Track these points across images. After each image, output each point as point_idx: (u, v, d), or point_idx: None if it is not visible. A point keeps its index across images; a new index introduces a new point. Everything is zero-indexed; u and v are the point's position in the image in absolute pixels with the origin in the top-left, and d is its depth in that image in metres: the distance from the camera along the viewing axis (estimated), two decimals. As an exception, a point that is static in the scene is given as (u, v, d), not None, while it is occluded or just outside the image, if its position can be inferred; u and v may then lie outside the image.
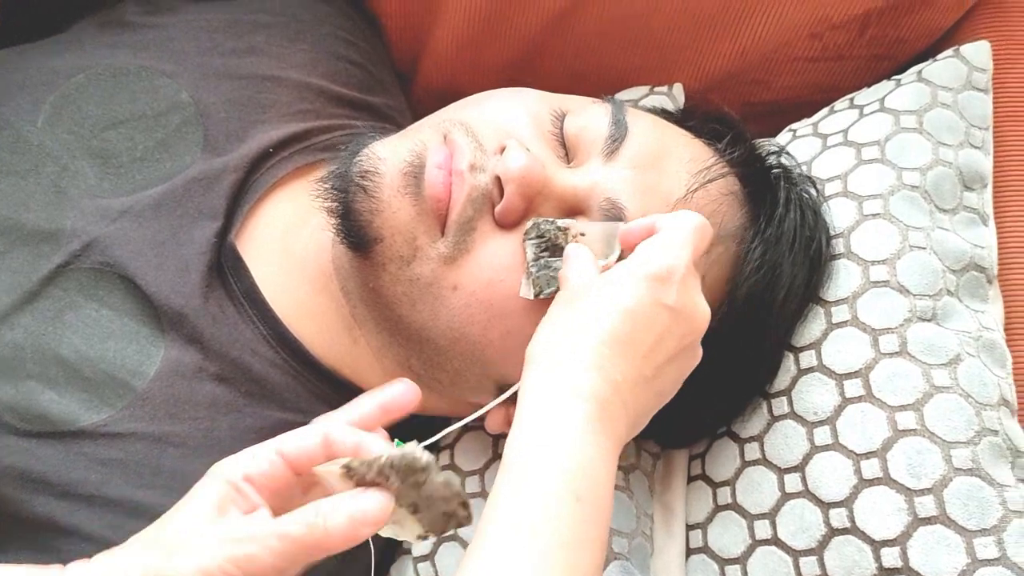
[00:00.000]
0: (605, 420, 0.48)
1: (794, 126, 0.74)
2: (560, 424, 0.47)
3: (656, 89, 0.78)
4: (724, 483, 0.63)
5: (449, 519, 0.45)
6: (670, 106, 0.77)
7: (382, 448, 0.45)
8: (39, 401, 0.54)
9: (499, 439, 0.64)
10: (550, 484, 0.45)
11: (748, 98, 0.80)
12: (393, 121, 0.73)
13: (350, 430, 0.46)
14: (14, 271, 0.57)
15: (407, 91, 0.81)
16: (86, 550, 0.52)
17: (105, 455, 0.54)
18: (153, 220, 0.60)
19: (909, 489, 0.56)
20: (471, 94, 0.80)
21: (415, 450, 0.44)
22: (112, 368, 0.55)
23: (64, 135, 0.61)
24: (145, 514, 0.53)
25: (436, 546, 0.63)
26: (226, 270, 0.60)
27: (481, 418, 0.61)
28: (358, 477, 0.44)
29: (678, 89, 0.78)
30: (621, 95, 0.78)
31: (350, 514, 0.42)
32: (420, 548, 0.64)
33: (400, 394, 0.52)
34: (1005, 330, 0.65)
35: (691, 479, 0.66)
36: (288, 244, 0.62)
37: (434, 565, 0.63)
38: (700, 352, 0.53)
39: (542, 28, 0.76)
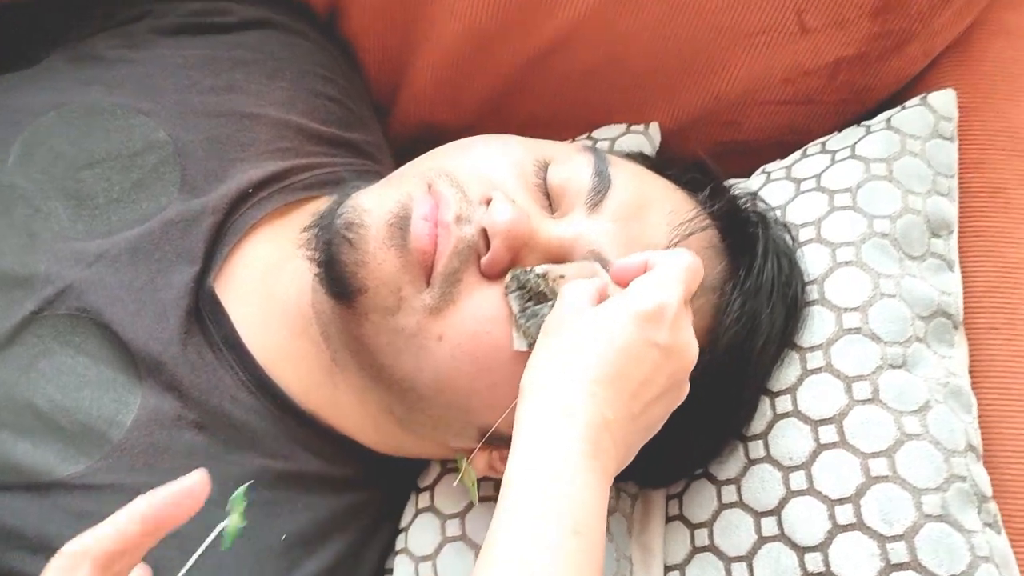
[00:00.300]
0: (599, 455, 0.48)
1: (768, 168, 0.75)
2: (557, 459, 0.47)
3: (633, 128, 0.79)
4: (702, 524, 0.64)
5: None
6: (647, 145, 0.78)
7: None
8: (12, 452, 0.53)
9: (480, 483, 0.64)
10: (549, 517, 0.46)
11: (722, 137, 0.82)
12: (372, 157, 0.73)
13: (160, 497, 0.44)
14: (-15, 318, 0.55)
15: (385, 123, 0.80)
16: (61, 606, 0.51)
17: (81, 508, 0.53)
18: (130, 264, 0.59)
19: (882, 535, 0.57)
20: (449, 128, 0.81)
21: None
22: (88, 418, 0.55)
23: (36, 175, 0.60)
24: (122, 568, 0.52)
25: (439, 547, 0.63)
26: (204, 315, 0.59)
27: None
28: None
29: (654, 128, 0.79)
30: (598, 132, 0.79)
31: None
32: (422, 548, 0.63)
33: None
34: (970, 373, 0.67)
35: (669, 519, 0.67)
36: (268, 287, 0.61)
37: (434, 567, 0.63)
38: (687, 388, 0.54)
39: (521, 67, 0.77)
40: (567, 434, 0.47)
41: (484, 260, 0.54)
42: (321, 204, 0.63)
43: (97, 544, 0.41)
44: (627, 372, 0.49)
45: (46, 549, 0.51)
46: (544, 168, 0.58)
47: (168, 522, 0.44)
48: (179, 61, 0.67)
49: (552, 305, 0.53)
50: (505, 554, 0.45)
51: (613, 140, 0.78)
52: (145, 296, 0.58)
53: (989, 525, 0.60)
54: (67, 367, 0.55)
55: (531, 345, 0.53)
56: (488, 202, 0.55)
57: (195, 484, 0.45)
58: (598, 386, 0.48)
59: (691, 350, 0.52)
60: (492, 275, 0.55)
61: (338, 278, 0.55)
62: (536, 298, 0.54)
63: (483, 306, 0.54)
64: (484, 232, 0.54)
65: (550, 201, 0.58)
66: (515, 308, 0.54)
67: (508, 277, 0.54)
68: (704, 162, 0.64)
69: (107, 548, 0.41)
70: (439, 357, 0.54)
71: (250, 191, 0.63)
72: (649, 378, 0.50)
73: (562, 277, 0.54)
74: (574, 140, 0.80)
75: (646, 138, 0.78)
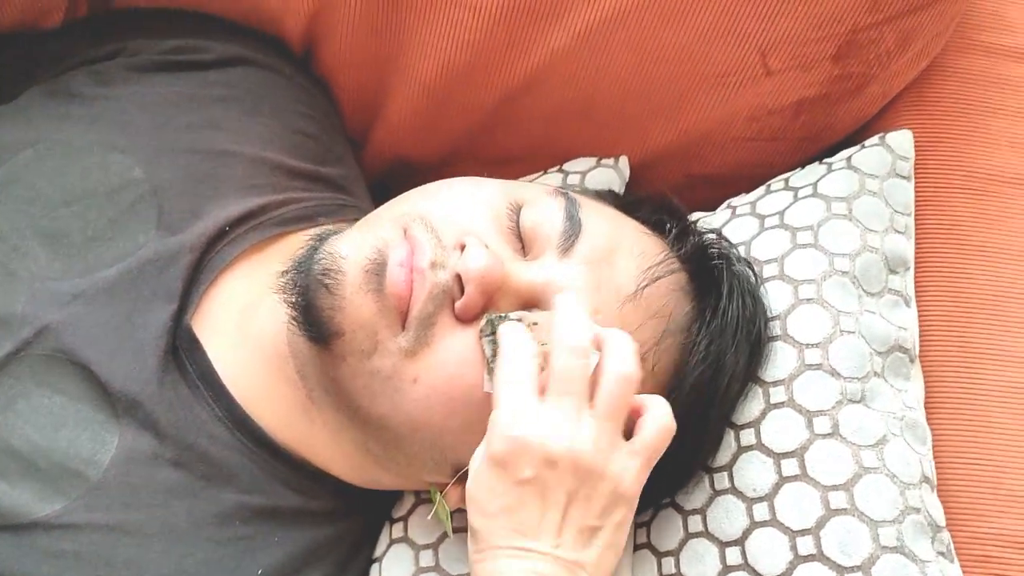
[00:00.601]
0: None
1: (733, 202, 0.77)
2: None
3: (603, 161, 0.81)
4: (668, 553, 0.65)
5: None
6: (616, 179, 0.80)
7: None
8: (-10, 494, 0.53)
9: (454, 515, 0.65)
10: None
11: (689, 171, 0.84)
12: (347, 191, 0.74)
13: None
14: (-38, 359, 0.56)
15: (359, 157, 0.81)
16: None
17: (58, 548, 0.54)
18: (107, 304, 0.59)
19: (841, 566, 0.59)
20: (423, 162, 0.82)
21: None
22: (65, 458, 0.55)
23: (12, 213, 0.61)
24: (100, 607, 0.53)
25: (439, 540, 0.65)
26: (182, 353, 0.60)
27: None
28: None
29: (623, 162, 0.81)
30: (569, 166, 0.81)
31: None
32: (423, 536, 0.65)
33: None
34: (925, 406, 0.69)
35: (637, 547, 0.68)
36: (244, 324, 0.62)
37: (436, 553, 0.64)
38: (597, 474, 0.51)
39: (493, 105, 0.78)
40: None
41: (458, 304, 0.56)
42: (296, 240, 0.64)
43: None
44: (512, 521, 0.50)
45: (22, 589, 0.52)
46: (517, 211, 0.60)
47: None
48: (155, 99, 0.67)
49: None
50: None
51: (583, 173, 0.80)
52: (122, 335, 0.59)
53: (942, 554, 0.63)
54: (44, 408, 0.56)
55: None
56: (462, 247, 0.56)
57: None
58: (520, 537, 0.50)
59: (567, 457, 0.50)
60: (466, 319, 0.56)
61: (315, 322, 0.56)
62: None
63: (457, 349, 0.55)
64: (458, 277, 0.56)
65: (523, 244, 0.59)
66: (487, 352, 0.55)
67: (483, 321, 0.56)
68: (671, 202, 0.66)
69: None
70: (414, 398, 0.56)
71: (227, 228, 0.64)
72: (556, 507, 0.50)
73: (535, 324, 0.56)
74: (546, 173, 0.81)
75: (615, 172, 0.80)
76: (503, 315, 0.55)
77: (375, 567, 0.66)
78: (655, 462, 0.53)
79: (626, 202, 0.68)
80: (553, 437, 0.50)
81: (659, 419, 0.53)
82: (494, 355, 0.55)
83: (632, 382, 0.52)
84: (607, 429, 0.51)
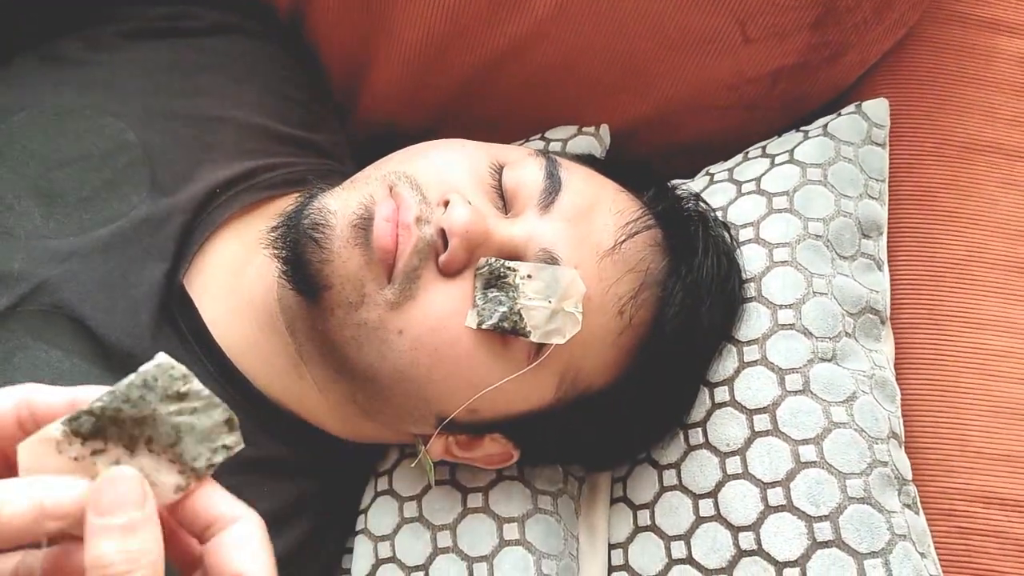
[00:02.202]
0: None
1: (711, 169, 0.79)
2: None
3: (584, 129, 0.82)
4: (644, 506, 0.68)
5: (215, 450, 0.39)
6: (597, 146, 0.81)
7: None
8: (-12, 443, 0.55)
9: (436, 466, 0.67)
10: None
11: (669, 138, 0.85)
12: (334, 156, 0.76)
13: (56, 389, 0.38)
14: (-39, 314, 0.58)
15: (346, 124, 0.83)
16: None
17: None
18: (102, 262, 0.61)
19: (809, 516, 0.62)
20: (408, 128, 0.84)
21: (166, 359, 0.37)
22: (62, 409, 0.57)
23: (8, 174, 0.62)
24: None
25: (376, 567, 0.67)
26: (174, 310, 0.62)
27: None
28: (86, 433, 0.36)
29: (604, 130, 0.83)
30: (551, 133, 0.83)
31: (32, 501, 0.34)
32: (360, 568, 0.67)
33: None
34: (895, 367, 0.72)
35: (613, 501, 0.71)
36: (235, 283, 0.64)
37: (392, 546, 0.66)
38: None
39: (477, 72, 0.79)
40: None
41: (442, 258, 0.58)
42: (285, 203, 0.65)
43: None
44: None
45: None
46: (499, 171, 0.61)
47: None
48: (147, 65, 0.69)
49: (512, 297, 0.57)
50: None
51: (565, 141, 0.82)
52: (117, 292, 0.60)
53: (908, 506, 0.65)
54: (42, 361, 0.58)
55: (479, 325, 0.57)
56: (446, 204, 0.58)
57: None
58: None
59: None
60: (449, 272, 0.58)
61: (304, 276, 0.57)
62: (498, 285, 0.58)
63: (440, 302, 0.57)
64: (442, 232, 0.57)
65: (504, 202, 0.61)
66: (478, 286, 0.57)
67: (482, 261, 0.58)
68: (648, 165, 0.68)
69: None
70: (399, 349, 0.58)
71: (217, 190, 0.66)
72: None
73: (529, 277, 0.58)
74: (528, 141, 0.83)
75: (596, 140, 0.82)
76: (501, 260, 0.57)
77: (361, 518, 0.69)
78: None
79: (605, 165, 0.69)
80: None
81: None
82: (482, 292, 0.57)
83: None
84: None
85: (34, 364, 0.57)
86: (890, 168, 0.77)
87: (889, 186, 0.76)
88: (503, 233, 0.59)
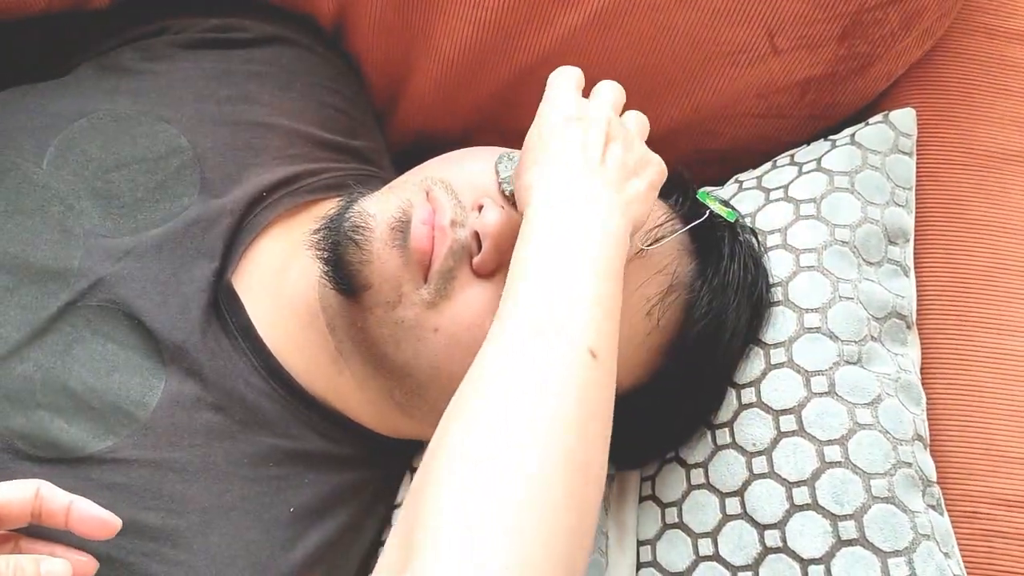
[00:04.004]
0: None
1: (740, 177, 0.81)
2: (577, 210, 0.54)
3: (616, 137, 0.84)
4: (672, 504, 0.69)
5: None
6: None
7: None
8: (49, 429, 0.58)
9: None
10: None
11: (699, 145, 0.87)
12: (374, 162, 0.79)
13: (62, 492, 0.51)
14: (24, 307, 0.61)
15: (384, 130, 0.86)
16: (92, 567, 0.57)
17: (111, 480, 0.58)
18: (155, 260, 0.64)
19: (834, 514, 0.63)
20: (445, 136, 0.86)
21: None
22: (117, 399, 0.60)
23: (68, 176, 0.65)
24: (148, 533, 0.58)
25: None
26: (222, 307, 0.65)
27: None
28: None
29: (636, 137, 0.85)
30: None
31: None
32: None
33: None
34: (921, 371, 0.73)
35: (642, 499, 0.72)
36: (279, 282, 0.67)
37: None
38: (625, 134, 0.60)
39: (511, 81, 0.82)
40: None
41: (476, 260, 0.60)
42: (327, 207, 0.68)
43: None
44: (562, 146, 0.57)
45: (78, 516, 0.57)
46: None
47: (48, 519, 0.51)
48: (198, 73, 0.72)
49: None
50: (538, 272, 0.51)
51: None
52: (169, 289, 0.63)
53: (932, 507, 0.66)
54: (98, 353, 0.61)
55: None
56: (480, 208, 0.60)
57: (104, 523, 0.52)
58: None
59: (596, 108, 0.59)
60: (483, 273, 0.60)
61: (345, 276, 0.60)
62: None
63: (474, 301, 0.60)
64: (476, 235, 0.60)
65: None
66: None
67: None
68: (678, 171, 0.70)
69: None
70: (435, 347, 0.60)
71: (263, 194, 0.69)
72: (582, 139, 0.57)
73: None
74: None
75: (628, 147, 0.84)
76: None
77: (396, 513, 0.71)
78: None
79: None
80: (598, 104, 0.60)
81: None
82: None
83: (621, 91, 0.63)
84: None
85: (91, 356, 0.60)
86: (917, 176, 0.78)
87: (916, 194, 0.77)
88: None
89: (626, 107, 0.83)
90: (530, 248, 0.53)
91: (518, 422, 0.47)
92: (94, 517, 0.51)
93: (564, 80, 0.62)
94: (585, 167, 0.56)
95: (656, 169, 0.60)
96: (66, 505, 0.50)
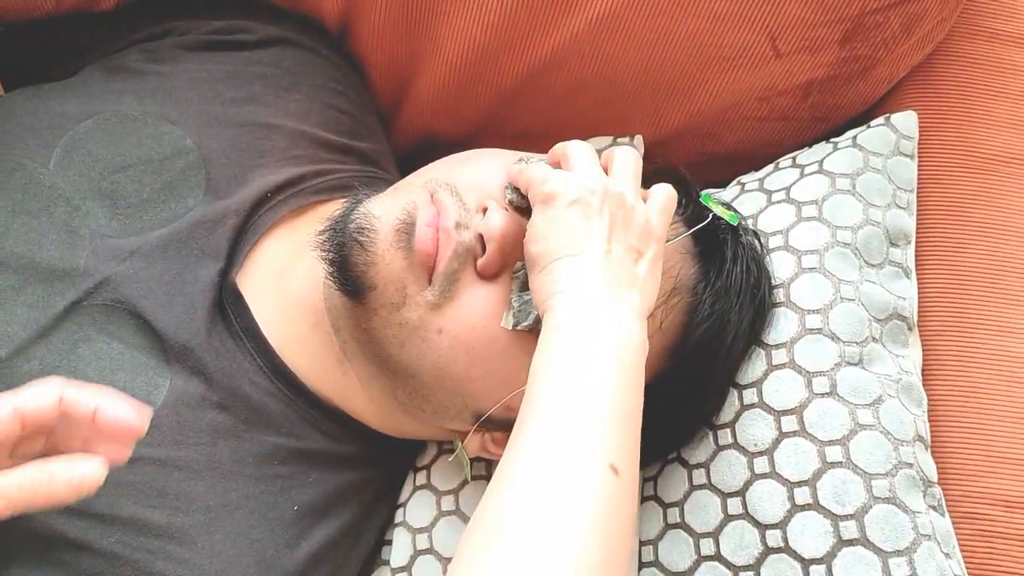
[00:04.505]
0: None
1: (743, 179, 0.81)
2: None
3: (619, 139, 0.85)
4: (673, 504, 0.70)
5: None
6: (631, 157, 0.84)
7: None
8: (55, 428, 0.59)
9: (473, 462, 0.70)
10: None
11: (702, 149, 0.88)
12: (378, 164, 0.79)
13: (88, 395, 0.48)
14: (30, 306, 0.61)
15: (388, 133, 0.86)
16: (97, 565, 0.57)
17: (116, 477, 0.57)
18: (160, 260, 0.65)
19: (835, 514, 0.63)
20: (449, 138, 0.87)
21: None
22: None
23: (75, 177, 0.66)
24: (152, 531, 0.58)
25: (414, 558, 0.69)
26: (227, 307, 0.65)
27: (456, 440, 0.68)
28: None
29: (639, 140, 0.85)
30: (587, 143, 0.85)
31: (68, 480, 0.47)
32: (399, 559, 0.70)
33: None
34: (923, 372, 0.73)
35: (644, 499, 0.73)
36: (283, 283, 0.67)
37: (430, 538, 0.69)
38: (629, 205, 0.59)
39: (516, 83, 0.82)
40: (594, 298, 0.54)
41: (480, 262, 0.60)
42: (332, 208, 0.68)
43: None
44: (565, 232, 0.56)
45: (84, 514, 0.58)
46: None
47: (79, 421, 0.48)
48: (203, 75, 0.73)
49: None
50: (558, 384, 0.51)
51: (600, 151, 0.84)
52: (174, 289, 0.64)
53: (933, 507, 0.67)
54: (104, 352, 0.61)
55: (515, 326, 0.59)
56: (484, 210, 0.61)
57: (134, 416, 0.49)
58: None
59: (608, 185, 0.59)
60: (487, 275, 0.61)
61: (349, 277, 0.61)
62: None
63: (478, 303, 0.60)
64: (480, 237, 0.60)
65: None
66: (514, 288, 0.60)
67: (518, 264, 0.61)
68: (681, 174, 0.70)
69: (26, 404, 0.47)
70: (438, 348, 0.60)
71: (268, 195, 0.69)
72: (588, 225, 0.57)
73: None
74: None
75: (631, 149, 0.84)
76: None
77: (400, 511, 0.72)
78: (669, 221, 0.62)
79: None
80: (589, 177, 0.59)
81: (664, 188, 0.63)
82: (517, 295, 0.60)
83: (636, 156, 0.62)
84: (629, 182, 0.60)
85: (97, 355, 0.61)
86: (919, 179, 0.78)
87: (918, 196, 0.78)
88: None
89: (627, 109, 0.85)
90: (552, 362, 0.53)
91: (539, 538, 0.47)
92: (119, 420, 0.48)
93: (579, 153, 0.61)
94: (599, 263, 0.55)
95: (656, 246, 0.59)
96: (92, 410, 0.47)
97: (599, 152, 0.83)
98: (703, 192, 0.70)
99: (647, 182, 0.70)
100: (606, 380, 0.52)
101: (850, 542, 0.63)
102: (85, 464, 0.47)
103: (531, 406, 0.52)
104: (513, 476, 0.49)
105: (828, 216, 0.73)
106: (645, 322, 0.56)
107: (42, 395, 0.47)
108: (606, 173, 0.61)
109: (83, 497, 0.47)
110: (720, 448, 0.68)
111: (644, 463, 0.72)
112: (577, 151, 0.62)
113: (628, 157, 0.62)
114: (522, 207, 0.61)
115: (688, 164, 0.81)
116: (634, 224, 0.58)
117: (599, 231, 0.57)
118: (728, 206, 0.72)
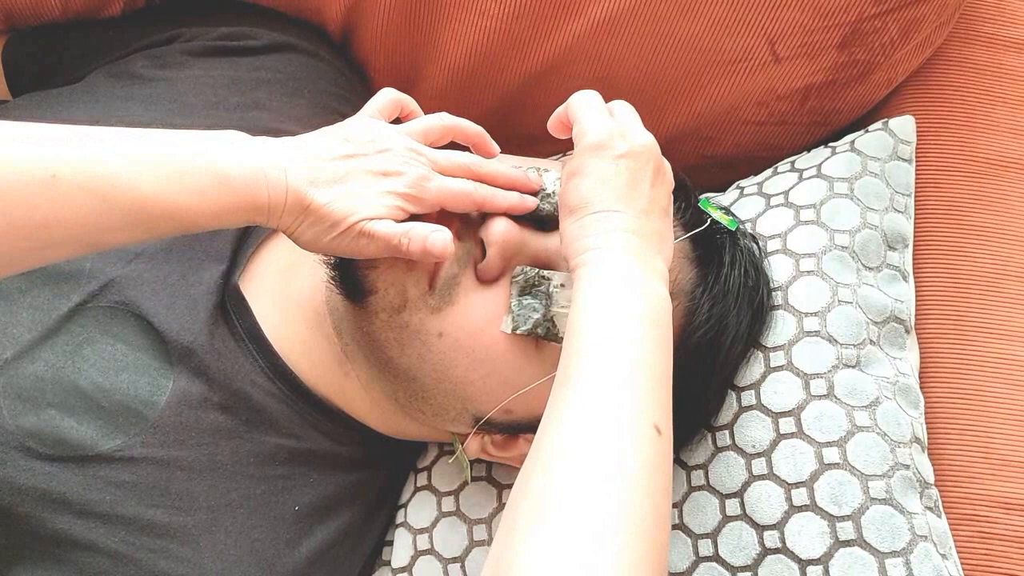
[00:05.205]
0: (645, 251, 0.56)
1: (742, 183, 0.82)
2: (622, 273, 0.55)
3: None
4: (673, 505, 0.70)
5: None
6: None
7: None
8: (59, 428, 0.59)
9: (473, 464, 0.71)
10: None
11: (701, 152, 0.88)
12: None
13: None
14: (36, 308, 0.62)
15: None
16: (101, 564, 0.58)
17: (119, 478, 0.59)
18: (164, 262, 0.65)
19: (832, 515, 0.64)
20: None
21: None
22: (126, 399, 0.61)
23: (81, 181, 0.67)
24: (155, 531, 0.59)
25: (415, 559, 0.70)
26: (230, 308, 0.66)
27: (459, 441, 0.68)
28: None
29: (638, 143, 0.86)
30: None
31: (423, 247, 0.55)
32: (399, 559, 0.70)
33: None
34: (921, 375, 0.73)
35: (643, 501, 0.73)
36: (285, 286, 0.68)
37: (431, 539, 0.69)
38: (666, 166, 0.61)
39: (517, 87, 0.83)
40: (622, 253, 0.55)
41: (480, 266, 0.61)
42: None
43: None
44: (616, 187, 0.57)
45: (88, 514, 0.58)
46: None
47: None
48: (208, 80, 0.73)
49: (546, 305, 0.60)
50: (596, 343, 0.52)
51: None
52: (178, 291, 0.64)
53: (930, 509, 0.67)
54: (108, 353, 0.62)
55: (514, 330, 0.60)
56: (484, 215, 0.62)
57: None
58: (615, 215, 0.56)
59: (644, 140, 0.59)
60: (487, 280, 0.61)
61: (351, 280, 0.61)
62: (532, 293, 0.61)
63: (478, 307, 0.61)
64: (481, 242, 0.61)
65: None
66: (514, 293, 0.60)
67: (518, 269, 0.61)
68: (680, 178, 0.71)
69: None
70: (439, 351, 0.61)
71: None
72: (633, 180, 0.57)
73: (562, 285, 0.61)
74: (565, 155, 0.86)
75: (632, 152, 0.85)
76: (535, 268, 0.61)
77: (401, 511, 0.72)
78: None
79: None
80: (640, 133, 0.59)
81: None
82: (517, 299, 0.60)
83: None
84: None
85: (101, 356, 0.62)
86: (917, 183, 0.79)
87: (916, 200, 0.78)
88: (538, 244, 0.62)
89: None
90: (589, 324, 0.53)
91: (598, 508, 0.46)
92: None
93: (590, 104, 0.61)
94: (636, 224, 0.56)
95: (663, 175, 0.60)
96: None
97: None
98: (701, 197, 0.70)
99: None
100: (642, 343, 0.52)
101: (847, 543, 0.63)
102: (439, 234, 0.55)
103: (569, 372, 0.51)
104: (563, 446, 0.49)
105: (826, 220, 0.74)
106: (668, 279, 0.58)
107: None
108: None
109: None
110: (718, 450, 0.69)
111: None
112: (623, 106, 0.62)
113: (633, 110, 0.63)
114: (542, 216, 0.62)
115: (687, 167, 0.82)
116: (666, 186, 0.60)
117: (641, 189, 0.57)
118: (726, 211, 0.72)
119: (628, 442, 0.49)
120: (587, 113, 0.60)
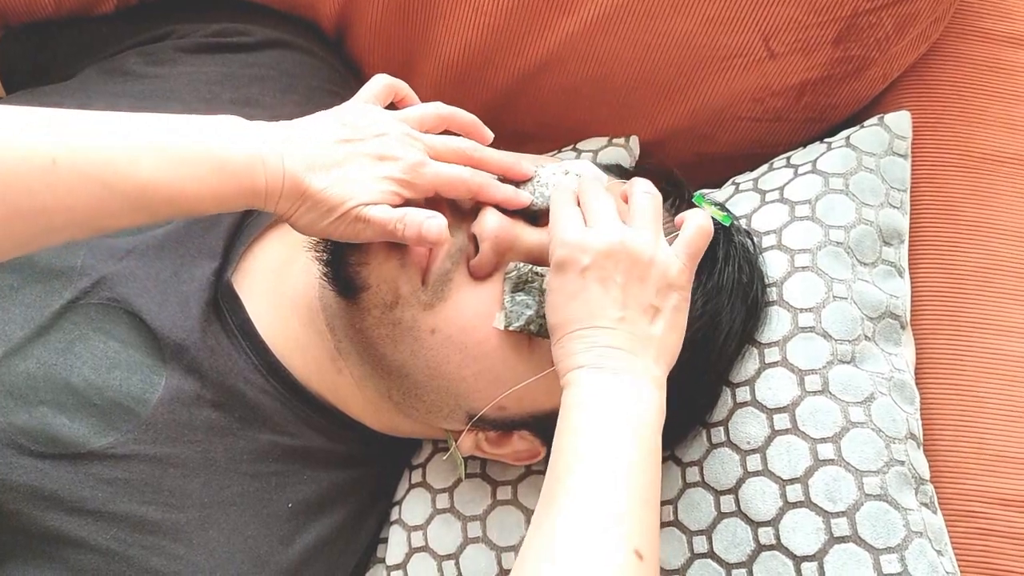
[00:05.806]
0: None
1: (737, 180, 0.82)
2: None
3: (614, 140, 0.85)
4: (667, 502, 0.70)
5: None
6: (627, 157, 0.84)
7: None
8: (51, 425, 0.59)
9: (467, 461, 0.70)
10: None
11: (697, 149, 0.88)
12: (373, 165, 0.79)
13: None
14: (28, 305, 0.62)
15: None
16: (93, 561, 0.58)
17: (111, 475, 0.59)
18: (156, 259, 0.65)
19: (827, 512, 0.64)
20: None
21: None
22: (118, 396, 0.61)
23: (73, 178, 0.66)
24: (148, 528, 0.59)
25: (409, 556, 0.70)
26: (222, 305, 0.66)
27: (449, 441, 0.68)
28: None
29: (634, 141, 0.86)
30: (582, 144, 0.86)
31: (419, 232, 0.56)
32: (394, 556, 0.70)
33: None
34: (916, 371, 0.73)
35: (638, 498, 0.73)
36: (279, 282, 0.68)
37: (406, 573, 0.69)
38: (642, 254, 0.57)
39: (511, 84, 0.83)
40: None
41: (473, 262, 0.61)
42: None
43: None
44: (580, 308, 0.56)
45: (80, 511, 0.58)
46: None
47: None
48: (201, 77, 0.73)
49: (539, 301, 0.60)
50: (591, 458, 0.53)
51: (596, 152, 0.85)
52: (170, 288, 0.64)
53: (925, 505, 0.67)
54: (100, 350, 0.62)
55: (507, 327, 0.60)
56: (477, 211, 0.61)
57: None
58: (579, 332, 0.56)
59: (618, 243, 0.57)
60: (479, 276, 0.61)
61: (344, 277, 0.61)
62: (525, 289, 0.61)
63: (471, 303, 0.61)
64: (473, 237, 0.61)
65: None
66: (507, 289, 0.60)
67: (511, 265, 0.61)
68: (673, 174, 0.71)
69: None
70: (431, 347, 0.61)
71: None
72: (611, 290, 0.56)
73: None
74: (560, 151, 0.86)
75: (626, 150, 0.85)
76: (528, 264, 0.61)
77: (395, 508, 0.72)
78: (698, 259, 0.61)
79: (631, 175, 0.72)
80: (604, 235, 0.57)
81: (697, 221, 0.61)
82: (510, 295, 0.60)
83: (657, 198, 0.61)
84: (648, 230, 0.59)
85: (93, 353, 0.61)
86: (913, 178, 0.79)
87: (911, 196, 0.78)
88: (530, 240, 0.62)
89: (622, 110, 0.85)
90: (574, 444, 0.54)
91: None
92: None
93: (563, 204, 0.60)
94: (613, 333, 0.56)
95: (678, 296, 0.59)
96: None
97: (594, 152, 0.84)
98: (696, 193, 0.70)
99: (648, 177, 0.70)
100: (628, 463, 0.53)
101: (842, 539, 0.63)
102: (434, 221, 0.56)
103: (556, 492, 0.53)
104: (540, 557, 0.51)
105: (821, 215, 0.73)
106: (664, 382, 0.57)
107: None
108: (624, 213, 0.60)
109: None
110: (713, 446, 0.69)
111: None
112: (594, 201, 0.60)
113: (647, 203, 0.60)
114: (535, 211, 0.62)
115: (683, 164, 0.82)
116: (650, 280, 0.57)
117: (613, 298, 0.56)
118: (721, 206, 0.72)
119: (604, 567, 0.50)
120: (555, 222, 0.59)
